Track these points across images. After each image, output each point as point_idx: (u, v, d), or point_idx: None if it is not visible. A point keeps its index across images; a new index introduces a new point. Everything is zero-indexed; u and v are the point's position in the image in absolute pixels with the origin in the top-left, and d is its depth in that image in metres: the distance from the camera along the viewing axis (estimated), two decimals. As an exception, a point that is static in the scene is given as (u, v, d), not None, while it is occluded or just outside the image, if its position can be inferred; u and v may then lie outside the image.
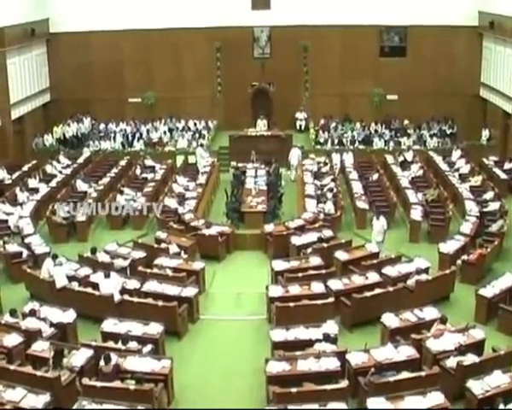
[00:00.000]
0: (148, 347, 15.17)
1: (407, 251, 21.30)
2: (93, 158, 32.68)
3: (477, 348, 14.83)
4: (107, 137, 34.77)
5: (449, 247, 20.62)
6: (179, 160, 32.20)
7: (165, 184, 28.45)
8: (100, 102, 36.08)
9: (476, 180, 27.57)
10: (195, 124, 36.19)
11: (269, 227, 22.74)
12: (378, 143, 33.77)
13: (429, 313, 16.30)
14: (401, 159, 31.09)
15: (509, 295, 17.57)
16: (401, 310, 16.37)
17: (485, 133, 33.67)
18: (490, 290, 17.48)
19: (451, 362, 13.99)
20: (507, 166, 29.31)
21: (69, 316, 16.53)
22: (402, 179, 27.90)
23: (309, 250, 20.77)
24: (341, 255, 20.05)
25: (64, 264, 19.11)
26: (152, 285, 18.06)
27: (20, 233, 22.94)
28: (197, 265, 19.88)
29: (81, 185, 27.61)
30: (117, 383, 13.51)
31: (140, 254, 20.59)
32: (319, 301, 17.05)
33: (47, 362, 13.99)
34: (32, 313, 16.32)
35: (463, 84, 34.81)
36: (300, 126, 36.27)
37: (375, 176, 28.70)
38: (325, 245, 21.02)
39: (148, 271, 19.29)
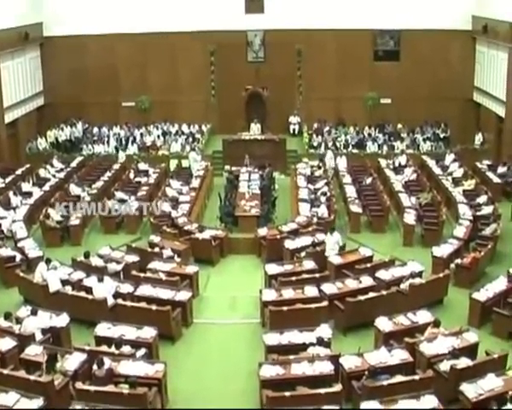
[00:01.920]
0: (142, 351, 15.16)
1: (401, 255, 21.27)
2: (86, 162, 32.67)
3: (471, 351, 14.85)
4: (101, 141, 34.73)
5: (442, 250, 20.64)
6: (173, 164, 32.16)
7: (158, 188, 28.41)
8: (94, 105, 36.08)
9: (469, 184, 27.58)
10: (189, 127, 36.19)
11: (262, 231, 22.72)
12: (371, 147, 33.82)
13: (423, 316, 16.31)
14: (397, 163, 31.09)
15: (503, 299, 17.57)
16: (395, 314, 16.36)
17: (479, 137, 33.74)
18: (483, 294, 17.49)
19: (445, 366, 14.00)
20: (500, 169, 29.37)
21: (62, 320, 16.49)
22: (395, 183, 27.91)
23: (302, 254, 20.75)
24: (335, 259, 20.05)
25: (58, 268, 19.07)
26: (145, 289, 18.02)
27: (13, 237, 22.87)
28: (191, 269, 19.83)
29: (74, 189, 27.54)
30: (110, 388, 13.47)
31: (133, 258, 20.55)
32: (313, 305, 17.04)
33: (40, 366, 13.95)
34: (34, 312, 16.37)
35: (457, 88, 34.88)
36: (294, 130, 36.33)
37: (369, 180, 28.71)
38: (319, 249, 21.03)
39: (142, 275, 19.25)
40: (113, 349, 14.98)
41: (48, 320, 16.41)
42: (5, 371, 13.90)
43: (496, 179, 28.34)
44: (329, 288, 17.98)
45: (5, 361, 14.59)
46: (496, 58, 32.03)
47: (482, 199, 25.54)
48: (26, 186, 28.08)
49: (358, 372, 14.03)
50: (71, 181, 28.54)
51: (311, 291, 17.74)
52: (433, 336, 15.08)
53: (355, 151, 33.60)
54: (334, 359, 14.41)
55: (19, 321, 16.22)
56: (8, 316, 16.16)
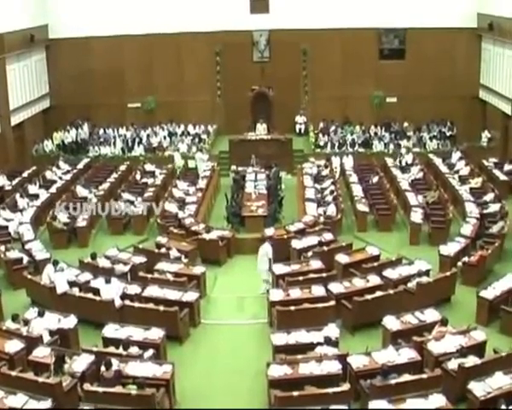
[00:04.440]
0: (150, 352, 15.16)
1: (408, 253, 21.27)
2: (92, 164, 32.75)
3: (478, 349, 14.84)
4: (107, 143, 34.79)
5: (449, 249, 20.62)
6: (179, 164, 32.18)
7: (165, 188, 28.43)
8: (100, 107, 36.20)
9: (476, 182, 27.58)
10: (195, 128, 36.23)
11: (269, 231, 22.71)
12: (378, 146, 33.79)
13: (430, 315, 16.30)
14: (403, 162, 31.07)
15: (511, 297, 17.53)
16: (402, 312, 16.36)
17: (485, 135, 33.68)
18: (491, 292, 17.47)
19: (453, 364, 13.98)
20: (507, 167, 29.32)
21: (70, 322, 16.53)
22: (402, 182, 27.90)
23: (309, 254, 20.73)
24: (342, 258, 20.04)
25: (65, 269, 19.11)
26: (153, 290, 18.06)
27: (20, 239, 22.93)
28: (198, 269, 19.86)
29: (81, 191, 27.60)
30: (118, 389, 13.50)
31: (141, 259, 20.58)
32: (320, 305, 17.04)
33: (48, 368, 13.99)
34: (41, 313, 16.41)
35: (463, 86, 34.85)
36: (300, 130, 36.30)
37: (375, 179, 28.69)
38: (326, 248, 21.03)
39: (149, 276, 19.29)
40: (120, 350, 15.02)
41: (55, 322, 16.44)
42: (13, 373, 13.93)
43: (503, 177, 28.32)
44: (336, 287, 17.97)
45: (13, 363, 14.62)
46: (502, 55, 31.95)
47: (489, 197, 25.52)
48: (32, 188, 28.15)
49: (366, 372, 14.05)
50: (77, 183, 28.61)
51: (318, 291, 17.74)
52: (440, 335, 15.08)
53: (361, 150, 33.55)
54: (342, 358, 14.41)
55: (26, 323, 16.26)
56: (15, 318, 16.22)
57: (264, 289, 19.45)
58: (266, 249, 19.78)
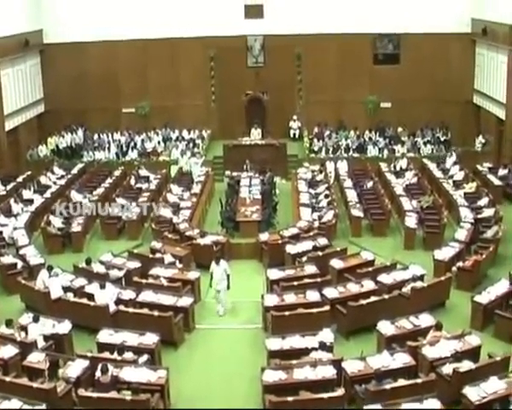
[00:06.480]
0: (144, 357, 15.15)
1: (402, 258, 21.30)
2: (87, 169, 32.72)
3: (473, 354, 14.85)
4: (102, 148, 34.74)
5: (444, 254, 20.62)
6: (173, 169, 32.14)
7: (159, 193, 28.40)
8: (95, 112, 36.11)
9: (470, 187, 27.59)
10: (189, 133, 36.20)
11: (264, 236, 22.72)
12: (372, 151, 33.81)
13: (425, 320, 16.32)
14: (398, 167, 31.12)
15: (505, 302, 17.58)
16: (397, 317, 16.37)
17: (480, 140, 33.74)
18: (485, 297, 17.49)
19: (448, 369, 13.99)
20: (501, 172, 29.36)
21: (64, 327, 16.49)
22: (396, 187, 27.92)
23: (304, 259, 20.75)
24: (337, 263, 20.03)
25: (59, 275, 19.07)
26: (147, 295, 18.04)
27: (14, 244, 22.86)
28: (192, 274, 19.83)
29: (75, 196, 27.53)
30: (113, 394, 13.47)
31: (135, 264, 20.56)
32: (315, 310, 17.05)
33: (43, 373, 13.96)
34: (36, 319, 16.36)
35: (457, 91, 34.89)
36: (294, 135, 36.28)
37: (370, 184, 28.70)
38: (320, 253, 21.02)
39: (144, 281, 19.26)
40: (115, 356, 14.98)
41: (50, 327, 16.40)
42: (8, 379, 13.90)
43: (497, 182, 28.34)
44: (331, 292, 17.98)
45: (7, 368, 14.58)
46: (495, 60, 32.04)
47: (483, 202, 25.54)
48: (27, 193, 28.05)
49: (361, 376, 14.06)
50: (72, 188, 28.52)
51: (312, 296, 17.74)
52: (435, 340, 15.08)
53: (356, 155, 33.55)
54: (337, 363, 14.41)
55: (21, 328, 16.21)
56: (9, 323, 16.16)
57: (222, 310, 19.04)
58: (224, 266, 18.85)
